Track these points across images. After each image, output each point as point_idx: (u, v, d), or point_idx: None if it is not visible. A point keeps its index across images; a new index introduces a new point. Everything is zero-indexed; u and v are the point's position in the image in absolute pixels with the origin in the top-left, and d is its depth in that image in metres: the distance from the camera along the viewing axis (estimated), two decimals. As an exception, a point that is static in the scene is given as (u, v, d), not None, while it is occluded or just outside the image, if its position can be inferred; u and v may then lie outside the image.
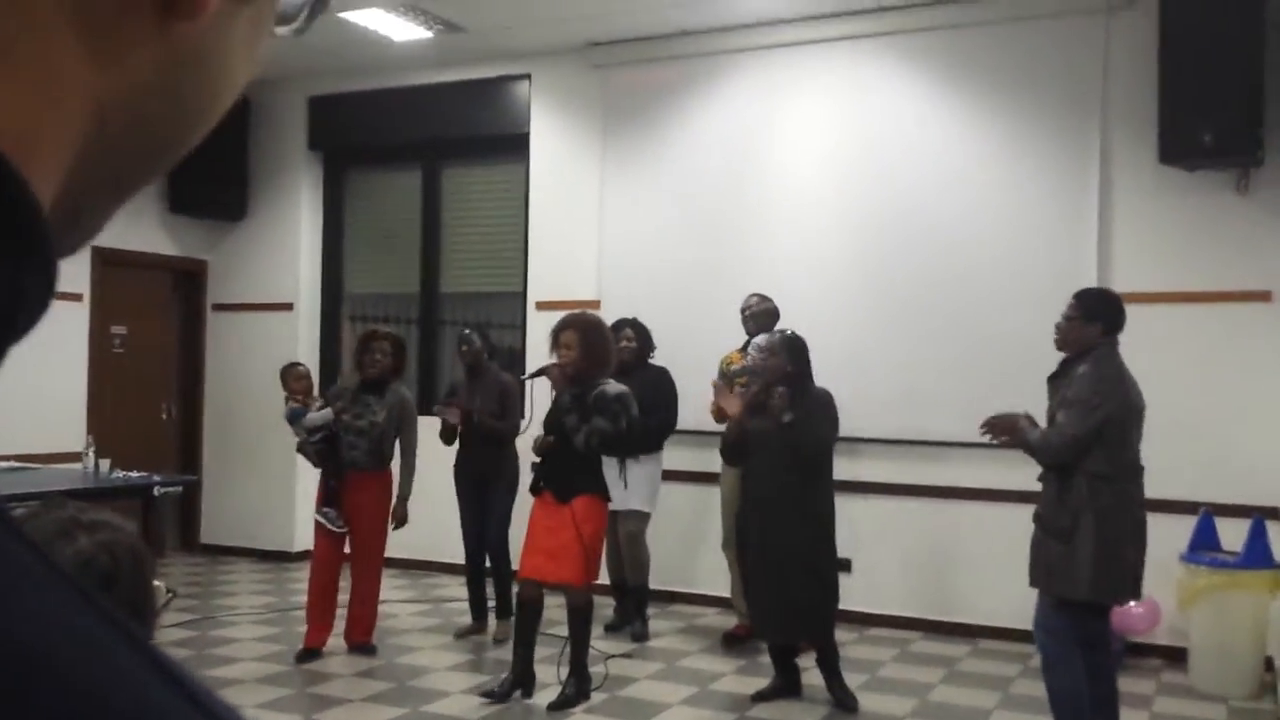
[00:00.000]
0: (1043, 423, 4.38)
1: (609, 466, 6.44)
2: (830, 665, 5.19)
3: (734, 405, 5.25)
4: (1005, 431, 4.40)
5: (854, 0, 6.69)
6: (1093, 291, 4.60)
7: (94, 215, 0.38)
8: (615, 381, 5.14)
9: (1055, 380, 4.40)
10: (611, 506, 6.45)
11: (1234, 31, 5.64)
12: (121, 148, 0.37)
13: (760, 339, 5.98)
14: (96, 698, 0.27)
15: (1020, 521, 4.93)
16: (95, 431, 7.36)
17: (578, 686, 5.09)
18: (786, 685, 5.29)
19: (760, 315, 6.23)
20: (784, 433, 5.04)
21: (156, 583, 1.64)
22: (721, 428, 6.19)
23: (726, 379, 6.13)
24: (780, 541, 5.00)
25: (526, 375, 5.68)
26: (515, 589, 5.32)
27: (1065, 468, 4.19)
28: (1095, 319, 4.32)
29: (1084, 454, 4.14)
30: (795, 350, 5.17)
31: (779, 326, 6.04)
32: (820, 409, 5.10)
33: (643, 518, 6.47)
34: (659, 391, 6.43)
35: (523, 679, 5.13)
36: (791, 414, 5.05)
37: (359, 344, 6.00)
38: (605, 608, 6.80)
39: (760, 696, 5.23)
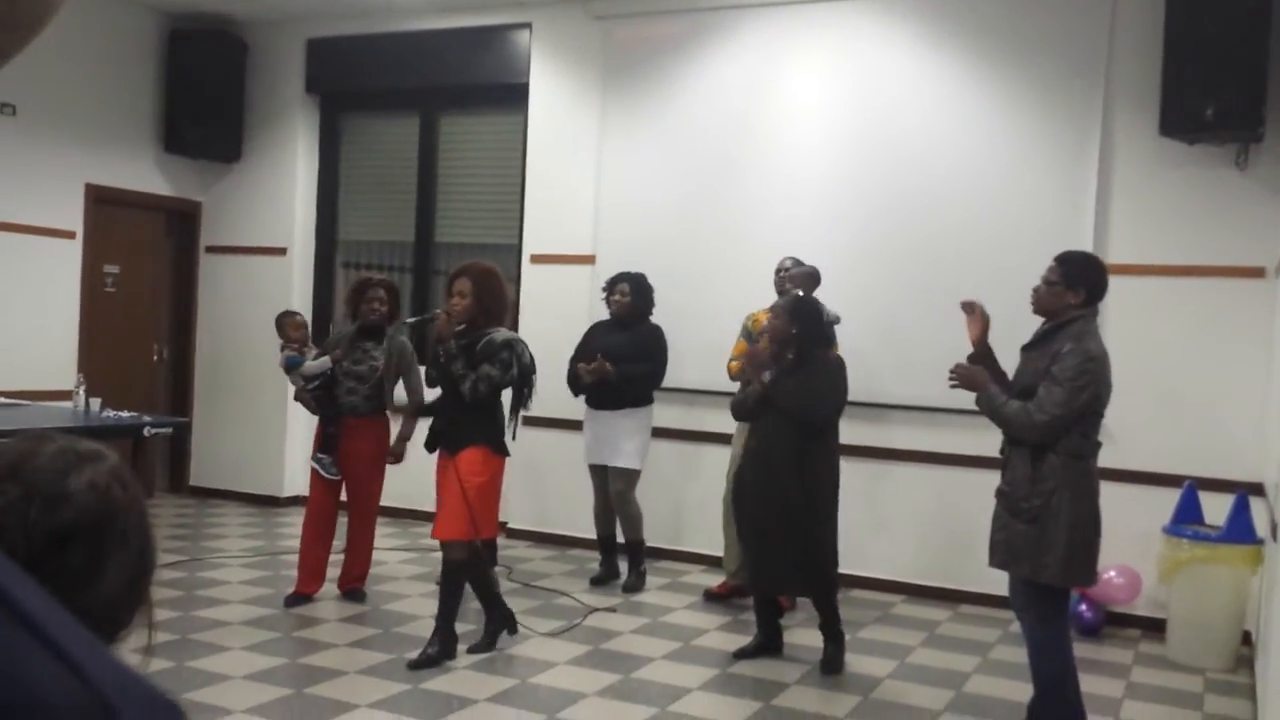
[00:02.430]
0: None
1: (598, 421, 6.48)
2: (831, 627, 5.22)
3: (761, 369, 5.23)
4: (970, 386, 4.23)
5: (860, -41, 6.63)
6: (1076, 256, 4.27)
7: None
8: (507, 330, 5.05)
9: (1030, 350, 4.21)
10: (599, 462, 6.51)
11: (1240, 5, 5.61)
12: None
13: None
14: None
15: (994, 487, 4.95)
16: (86, 370, 7.36)
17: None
18: (768, 643, 5.34)
19: (800, 278, 6.13)
20: (771, 394, 5.06)
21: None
22: (730, 386, 6.23)
23: (750, 338, 6.13)
24: (769, 496, 5.02)
25: (411, 320, 5.68)
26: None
27: (1039, 446, 4.06)
28: (1077, 285, 4.10)
29: (1063, 434, 4.02)
30: (801, 314, 5.14)
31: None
32: (817, 375, 5.09)
33: (632, 475, 6.49)
34: (648, 346, 6.45)
35: (447, 644, 4.98)
36: (770, 374, 5.06)
37: (354, 291, 5.97)
38: (590, 561, 6.87)
39: (742, 654, 5.29)
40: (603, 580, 6.58)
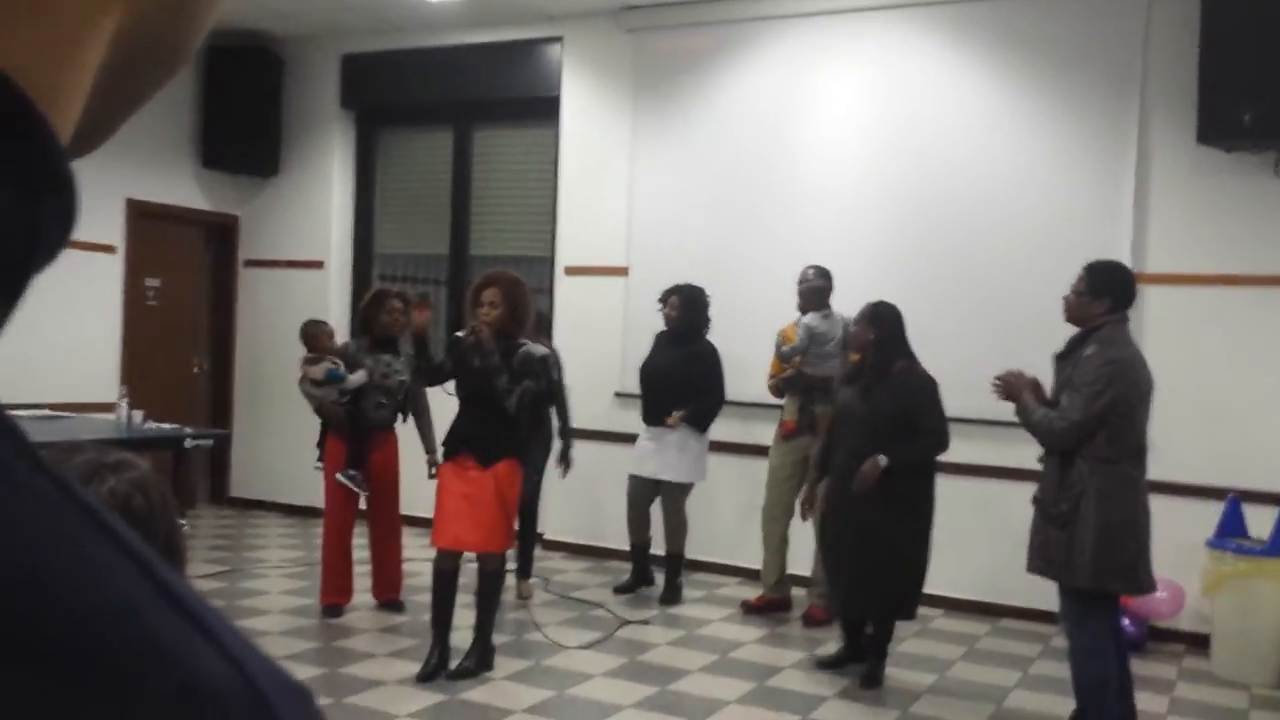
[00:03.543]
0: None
1: (654, 436, 6.44)
2: (880, 644, 5.16)
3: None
4: (1010, 396, 4.33)
5: (894, -30, 6.62)
6: (1102, 265, 4.37)
7: (104, 131, 0.40)
8: (537, 344, 5.07)
9: (1062, 359, 4.29)
10: (650, 475, 6.46)
11: (1277, 13, 5.55)
12: (130, 71, 0.38)
13: (809, 317, 5.97)
14: (93, 620, 0.28)
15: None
16: (128, 382, 7.45)
17: (480, 658, 4.95)
18: (852, 656, 5.27)
19: (808, 293, 6.13)
20: (859, 406, 4.96)
21: (180, 520, 1.67)
22: (776, 401, 6.22)
23: (781, 356, 6.14)
24: (856, 517, 4.91)
25: (463, 334, 5.40)
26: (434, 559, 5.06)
27: (1067, 452, 4.12)
28: (1103, 294, 4.19)
29: (1086, 440, 4.06)
30: (879, 320, 5.02)
31: (842, 304, 6.04)
32: (903, 387, 4.93)
33: (686, 488, 6.48)
34: (705, 370, 6.37)
35: (485, 655, 4.98)
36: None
37: (371, 303, 5.92)
38: (622, 571, 6.85)
39: (825, 664, 5.26)
40: (630, 588, 6.56)
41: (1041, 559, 4.20)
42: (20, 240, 0.32)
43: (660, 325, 6.58)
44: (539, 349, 4.99)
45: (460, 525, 4.84)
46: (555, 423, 6.39)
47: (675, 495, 6.47)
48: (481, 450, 4.86)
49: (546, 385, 4.94)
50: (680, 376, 6.33)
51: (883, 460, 4.85)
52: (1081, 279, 4.27)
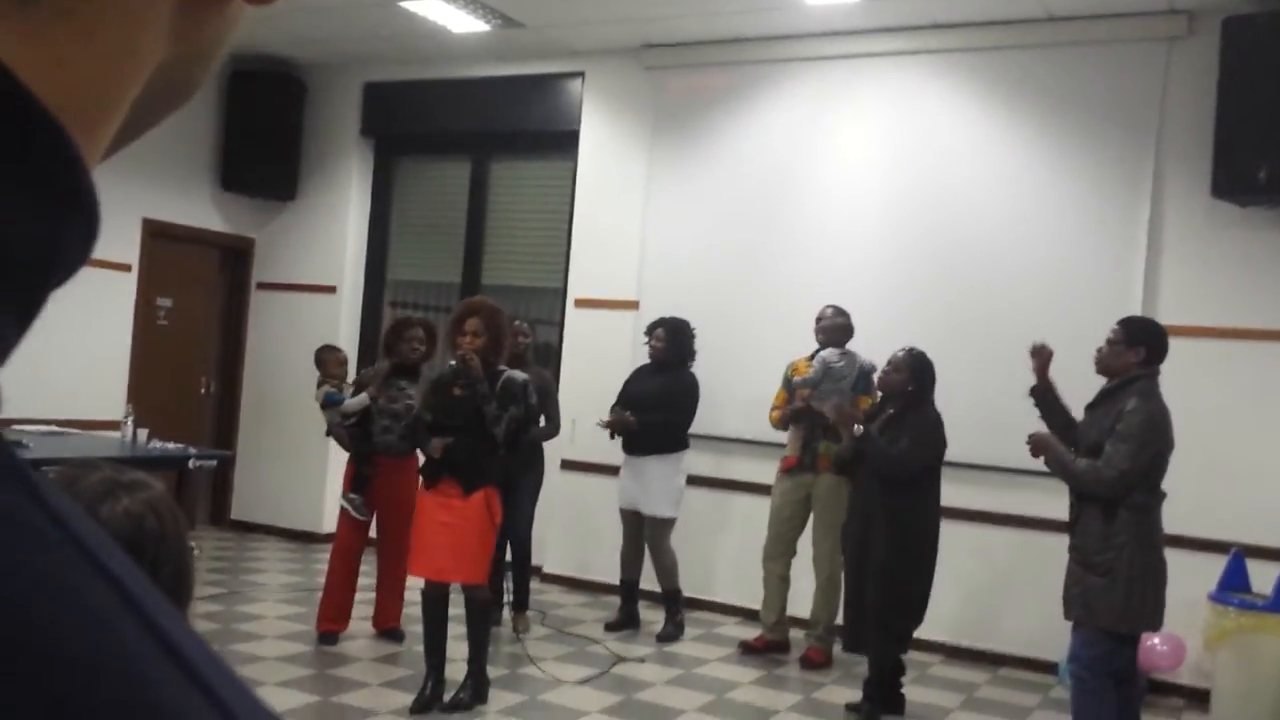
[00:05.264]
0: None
1: (632, 466, 6.45)
2: (870, 682, 5.16)
3: (841, 413, 5.27)
4: (1041, 451, 4.44)
5: (909, 16, 6.67)
6: (1138, 318, 4.65)
7: (110, 151, 0.41)
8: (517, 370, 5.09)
9: (1094, 409, 4.39)
10: (631, 506, 6.47)
11: (1296, 69, 5.58)
12: (152, 102, 0.40)
13: (828, 352, 5.97)
14: (86, 671, 0.28)
15: (1042, 548, 4.91)
16: (135, 401, 7.47)
17: (474, 691, 4.94)
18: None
19: (832, 330, 6.14)
20: (870, 449, 5.05)
21: (190, 542, 1.68)
22: (774, 435, 6.26)
23: (790, 387, 6.13)
24: (866, 554, 5.01)
25: (448, 365, 5.23)
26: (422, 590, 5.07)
27: (1110, 501, 4.20)
28: (1138, 344, 4.33)
29: (1132, 488, 4.18)
30: (920, 370, 5.13)
31: (852, 345, 6.06)
32: (916, 430, 5.05)
33: (664, 522, 6.46)
34: (674, 394, 6.39)
35: (480, 688, 4.96)
36: (861, 428, 5.09)
37: (392, 330, 6.02)
38: (612, 607, 6.80)
39: (856, 708, 5.23)
40: (619, 626, 6.53)
41: (1082, 607, 4.28)
42: (41, 257, 0.33)
43: (645, 358, 6.63)
44: (519, 374, 5.02)
45: (440, 556, 4.83)
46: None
47: (657, 530, 6.45)
48: (466, 478, 4.85)
49: (527, 410, 4.95)
50: (653, 404, 6.34)
51: (859, 429, 5.07)
52: (1116, 330, 4.40)
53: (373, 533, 5.99)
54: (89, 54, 0.34)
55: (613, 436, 6.54)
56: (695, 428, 6.60)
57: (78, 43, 0.34)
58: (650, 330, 6.58)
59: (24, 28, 0.32)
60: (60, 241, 0.33)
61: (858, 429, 5.15)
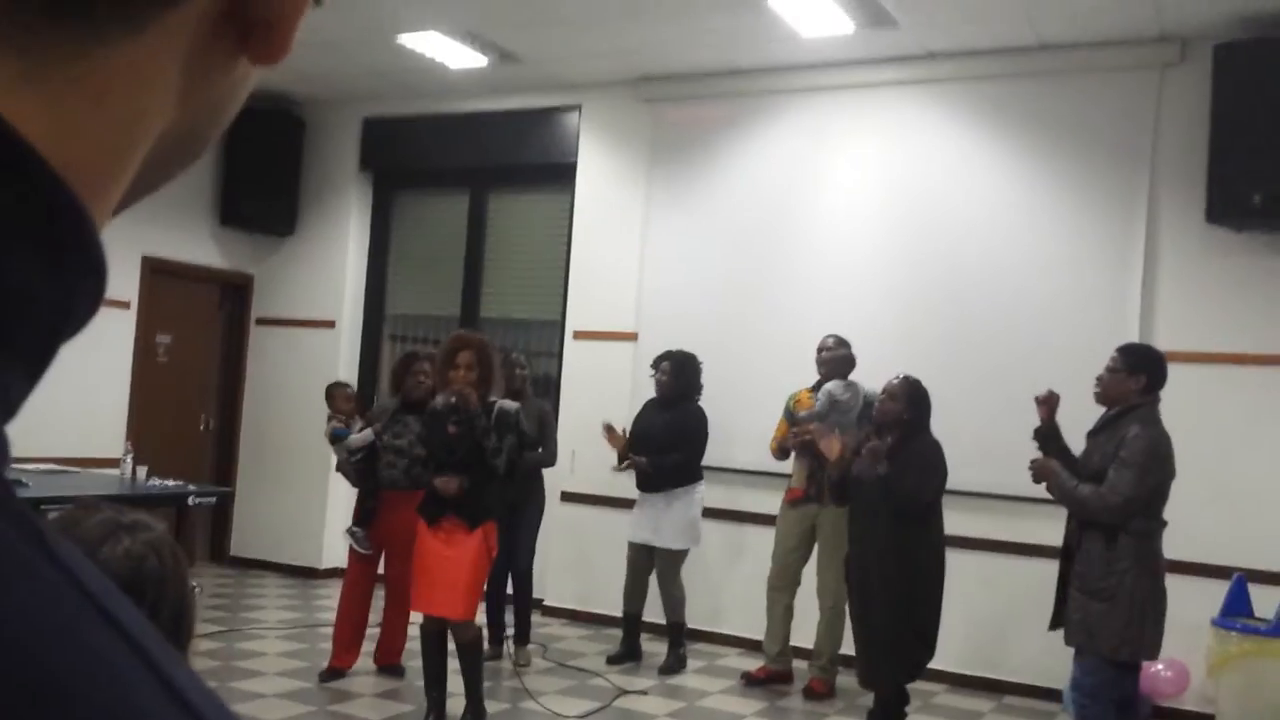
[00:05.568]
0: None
1: (646, 502, 6.42)
2: (880, 711, 5.13)
3: (834, 448, 5.25)
4: (1044, 476, 4.47)
5: (904, 46, 6.71)
6: (1137, 346, 4.68)
7: (121, 207, 0.42)
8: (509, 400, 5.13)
9: (1095, 436, 4.41)
10: (642, 541, 6.45)
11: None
12: (164, 160, 0.40)
13: (833, 384, 5.95)
14: (86, 709, 0.28)
15: (1046, 576, 4.89)
16: (134, 438, 7.47)
17: None
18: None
19: (833, 361, 6.14)
20: (878, 480, 5.01)
21: (192, 582, 1.68)
22: (775, 466, 6.23)
23: (792, 418, 6.12)
24: (873, 587, 4.96)
25: (440, 402, 5.13)
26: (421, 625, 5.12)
27: (1112, 527, 4.21)
28: (1139, 371, 4.36)
29: (1136, 515, 4.20)
30: (916, 398, 5.10)
31: (853, 375, 6.06)
32: (919, 459, 5.00)
33: (676, 555, 6.42)
34: (682, 430, 6.36)
35: None
36: (886, 465, 4.94)
37: (400, 365, 6.04)
38: (614, 640, 6.76)
39: None
40: (620, 659, 6.48)
41: (1084, 633, 4.29)
42: (53, 316, 0.34)
43: (648, 391, 6.61)
44: (510, 403, 5.03)
45: (435, 591, 4.84)
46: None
47: (668, 563, 6.41)
48: (469, 514, 4.86)
49: (520, 437, 4.96)
50: (663, 440, 6.32)
51: (881, 468, 4.95)
52: (1116, 358, 4.43)
53: (381, 568, 5.98)
54: (99, 119, 0.35)
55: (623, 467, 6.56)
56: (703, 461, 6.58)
57: (88, 108, 0.35)
58: (656, 364, 6.56)
59: (36, 95, 0.33)
60: (71, 302, 0.34)
61: (881, 468, 5.06)
